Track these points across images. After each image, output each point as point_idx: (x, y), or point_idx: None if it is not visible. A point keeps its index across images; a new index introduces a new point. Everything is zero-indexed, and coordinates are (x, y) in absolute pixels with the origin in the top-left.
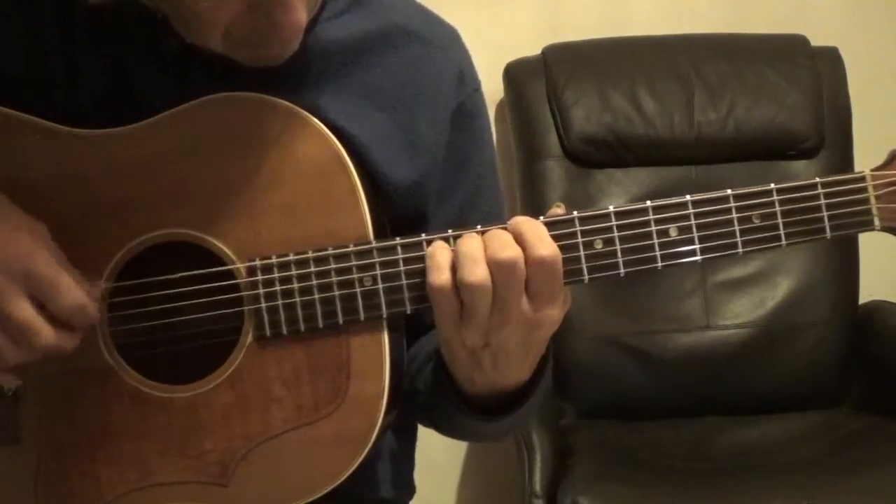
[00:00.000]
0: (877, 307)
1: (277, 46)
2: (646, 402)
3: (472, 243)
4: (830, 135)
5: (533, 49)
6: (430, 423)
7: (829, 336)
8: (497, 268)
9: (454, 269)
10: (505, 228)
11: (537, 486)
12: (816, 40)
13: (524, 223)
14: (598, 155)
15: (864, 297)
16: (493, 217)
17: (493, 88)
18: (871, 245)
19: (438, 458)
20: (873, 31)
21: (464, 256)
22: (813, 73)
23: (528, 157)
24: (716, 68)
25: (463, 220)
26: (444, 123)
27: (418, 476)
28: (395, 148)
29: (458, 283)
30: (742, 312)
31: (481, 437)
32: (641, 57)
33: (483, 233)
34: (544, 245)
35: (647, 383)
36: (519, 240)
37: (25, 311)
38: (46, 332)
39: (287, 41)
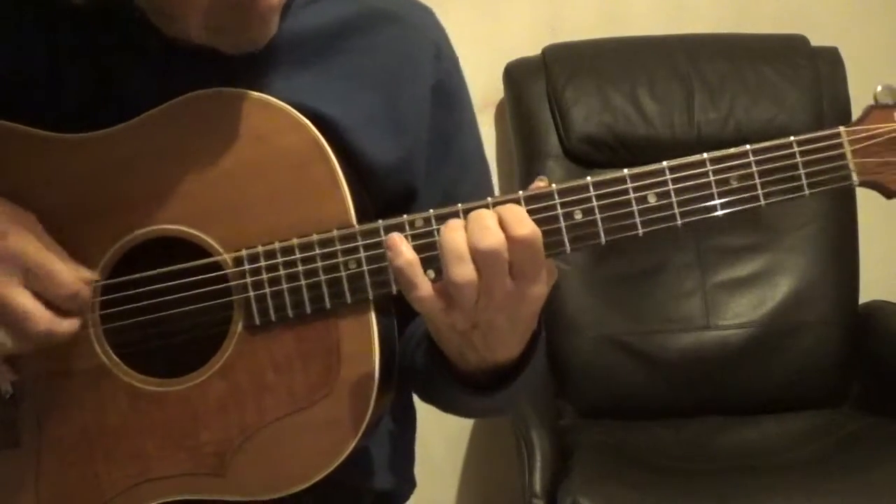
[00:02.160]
0: (877, 307)
1: (256, 28)
2: (646, 402)
3: (455, 238)
4: None
5: (533, 49)
6: (429, 400)
7: (829, 336)
8: (481, 256)
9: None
10: (486, 206)
11: (537, 486)
12: (816, 40)
13: (503, 206)
14: (598, 155)
15: (864, 297)
16: (480, 192)
17: (493, 88)
18: (871, 245)
19: (438, 457)
20: (873, 31)
21: (449, 253)
22: (813, 73)
23: (528, 157)
24: (716, 68)
25: (451, 197)
26: (425, 100)
27: (418, 474)
28: (378, 127)
29: (444, 280)
30: (742, 312)
31: (479, 413)
32: (641, 57)
33: (465, 212)
34: (523, 225)
35: (647, 383)
36: (468, 236)
37: (21, 298)
38: (43, 319)
39: (263, 20)
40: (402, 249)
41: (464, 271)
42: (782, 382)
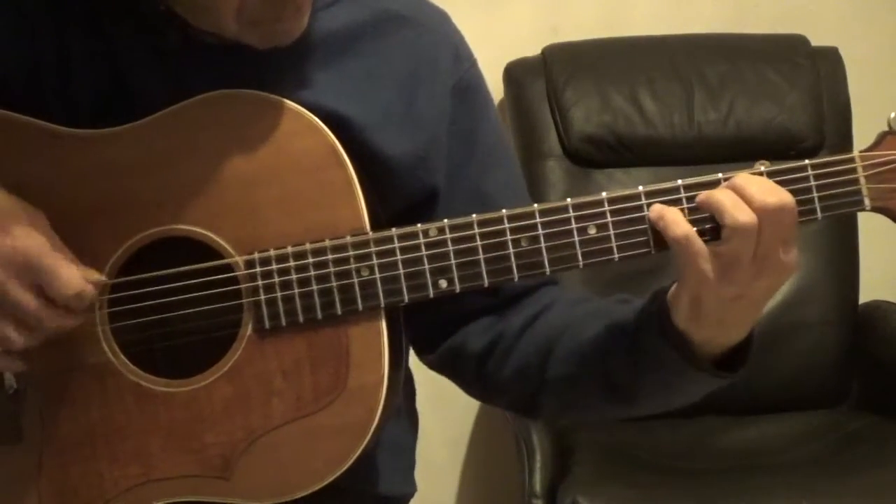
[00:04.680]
0: (877, 307)
1: (289, 19)
2: None
3: (727, 191)
4: (830, 135)
5: (533, 49)
6: (578, 409)
7: (829, 336)
8: (767, 212)
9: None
10: (532, 213)
11: (537, 486)
12: (816, 40)
13: (742, 178)
14: (598, 155)
15: (864, 297)
16: (512, 188)
17: (493, 88)
18: (871, 245)
19: (438, 458)
20: (873, 31)
21: (728, 201)
22: (813, 73)
23: (528, 157)
24: (716, 68)
25: (482, 195)
26: (444, 98)
27: (418, 476)
28: (394, 124)
29: (725, 232)
30: None
31: (680, 403)
32: (641, 57)
33: (480, 223)
34: (780, 190)
35: None
36: (747, 193)
37: (26, 296)
38: (47, 317)
39: (298, 11)
40: (679, 219)
41: (748, 216)
42: (782, 382)
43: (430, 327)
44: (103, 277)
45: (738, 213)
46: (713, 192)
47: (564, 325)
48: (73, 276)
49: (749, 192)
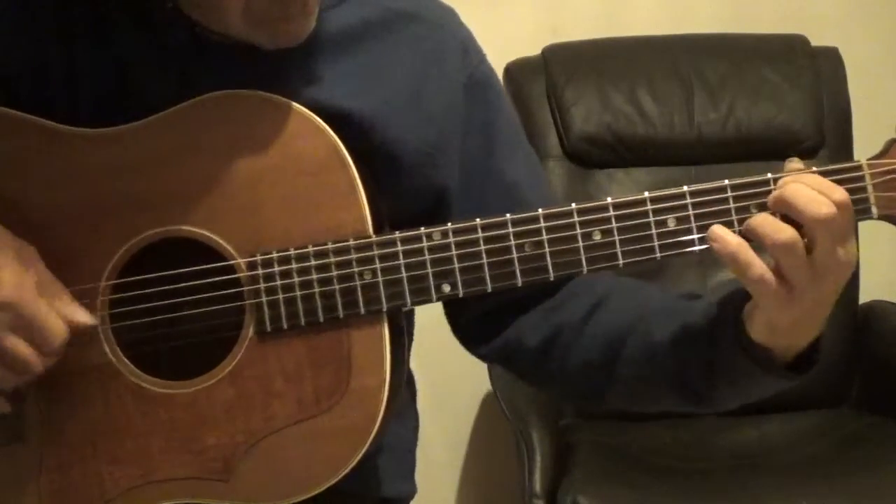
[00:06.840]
0: (877, 307)
1: (297, 19)
2: None
3: (801, 184)
4: (830, 135)
5: (533, 49)
6: (666, 402)
7: (829, 336)
8: (817, 225)
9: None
10: (537, 218)
11: (537, 486)
12: (816, 40)
13: (798, 180)
14: (598, 155)
15: (864, 297)
16: (535, 174)
17: None
18: (871, 245)
19: (438, 458)
20: (873, 31)
21: (809, 194)
22: (813, 73)
23: None
24: (716, 68)
25: (507, 185)
26: (455, 95)
27: (418, 476)
28: (402, 119)
29: (808, 221)
30: None
31: (749, 402)
32: (641, 57)
33: (484, 227)
34: (837, 189)
35: None
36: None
37: (15, 343)
38: (36, 362)
39: (305, 10)
40: (729, 238)
41: (829, 208)
42: None
43: (482, 320)
44: (96, 321)
45: (819, 206)
46: (790, 187)
47: (630, 322)
48: (59, 329)
49: (804, 205)
